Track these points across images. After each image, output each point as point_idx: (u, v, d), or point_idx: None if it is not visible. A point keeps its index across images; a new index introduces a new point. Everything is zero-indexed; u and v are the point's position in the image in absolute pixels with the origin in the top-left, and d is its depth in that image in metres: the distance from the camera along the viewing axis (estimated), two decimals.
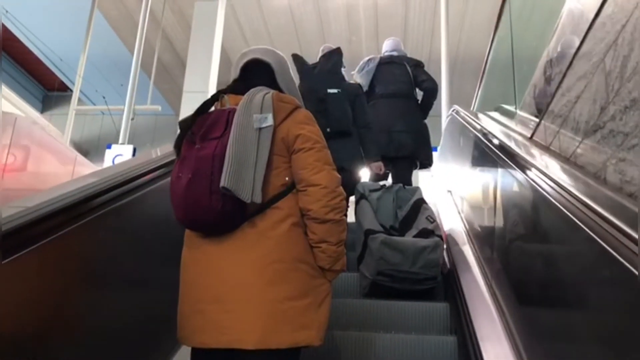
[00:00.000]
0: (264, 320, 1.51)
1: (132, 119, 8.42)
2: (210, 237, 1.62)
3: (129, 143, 12.49)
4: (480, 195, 2.79)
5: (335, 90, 3.30)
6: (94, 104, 12.77)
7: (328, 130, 3.12)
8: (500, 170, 2.18)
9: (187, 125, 1.69)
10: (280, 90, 1.79)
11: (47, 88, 13.43)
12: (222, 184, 1.52)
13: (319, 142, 1.68)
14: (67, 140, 8.69)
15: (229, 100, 1.75)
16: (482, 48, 10.85)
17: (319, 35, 10.49)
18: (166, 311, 1.77)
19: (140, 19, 7.37)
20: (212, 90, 7.22)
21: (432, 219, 3.04)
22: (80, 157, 5.12)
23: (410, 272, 2.76)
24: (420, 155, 4.12)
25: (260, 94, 1.68)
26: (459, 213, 3.68)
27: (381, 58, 4.39)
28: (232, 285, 1.55)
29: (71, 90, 11.20)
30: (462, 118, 3.69)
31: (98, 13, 9.86)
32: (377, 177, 3.75)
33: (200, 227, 1.63)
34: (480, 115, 3.39)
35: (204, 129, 1.65)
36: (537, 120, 2.04)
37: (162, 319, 1.89)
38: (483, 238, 2.66)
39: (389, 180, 4.05)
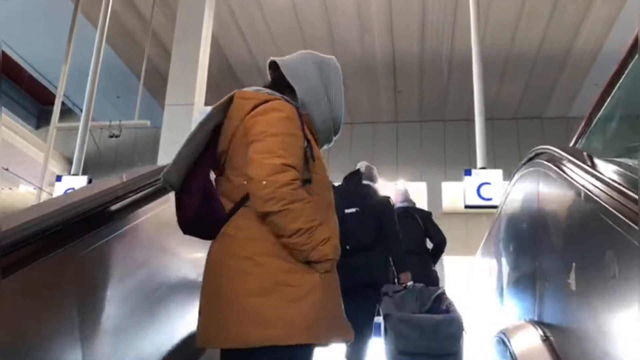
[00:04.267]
0: (231, 318, 1.52)
1: (118, 136, 7.55)
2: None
3: (123, 162, 11.76)
4: None
5: (353, 210, 3.48)
6: (93, 119, 12.04)
7: (347, 247, 3.08)
8: None
9: None
10: (287, 88, 1.79)
11: (42, 103, 12.69)
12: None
13: (266, 130, 1.61)
14: (48, 157, 7.88)
15: None
16: (509, 45, 10.19)
17: (327, 34, 9.56)
18: None
19: (100, 18, 6.43)
20: (199, 102, 6.25)
21: (450, 305, 3.14)
22: None
23: (430, 347, 2.85)
24: None
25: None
26: None
27: None
28: (209, 286, 1.61)
29: (65, 105, 10.46)
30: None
31: (86, 22, 9.08)
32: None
33: (192, 232, 1.74)
34: None
35: None
36: None
37: None
38: None
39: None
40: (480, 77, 6.24)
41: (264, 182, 1.52)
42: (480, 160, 5.96)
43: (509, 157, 11.27)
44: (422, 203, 12.88)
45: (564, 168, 1.95)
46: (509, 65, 10.37)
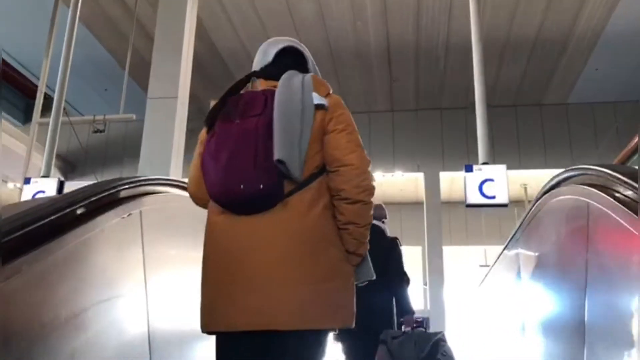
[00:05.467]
0: (300, 301, 1.54)
1: (103, 131, 7.25)
2: (240, 218, 1.61)
3: (113, 158, 11.44)
4: None
5: None
6: (81, 113, 11.74)
7: None
8: None
9: (219, 103, 1.74)
10: None
11: (29, 97, 12.36)
12: (277, 156, 1.55)
13: (351, 125, 1.73)
14: (30, 154, 7.57)
15: (261, 84, 1.79)
16: (507, 29, 9.87)
17: (319, 22, 9.26)
18: None
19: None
20: (183, 95, 5.95)
21: (445, 353, 3.15)
22: None
23: None
24: None
25: (298, 76, 1.74)
26: None
27: None
28: (265, 266, 1.56)
29: (52, 99, 10.15)
30: None
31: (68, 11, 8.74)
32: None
33: (237, 203, 1.62)
34: None
35: (240, 107, 1.68)
36: None
37: None
38: None
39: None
40: (481, 65, 5.90)
41: (367, 173, 1.68)
42: (482, 155, 5.58)
43: (508, 145, 11.03)
44: (419, 194, 12.66)
45: (626, 199, 1.45)
46: (507, 50, 10.09)
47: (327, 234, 1.64)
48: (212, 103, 1.80)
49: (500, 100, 11.20)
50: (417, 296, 12.67)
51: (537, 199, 2.55)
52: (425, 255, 11.73)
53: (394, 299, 3.55)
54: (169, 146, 5.46)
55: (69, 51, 5.90)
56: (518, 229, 3.25)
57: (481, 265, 14.74)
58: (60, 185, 5.51)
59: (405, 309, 3.54)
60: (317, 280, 1.57)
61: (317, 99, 1.69)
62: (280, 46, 1.89)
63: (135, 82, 9.94)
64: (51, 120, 5.77)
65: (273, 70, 1.81)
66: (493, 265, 4.52)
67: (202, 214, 1.76)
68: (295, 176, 1.59)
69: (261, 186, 1.55)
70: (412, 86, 11.44)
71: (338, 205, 1.66)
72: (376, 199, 4.17)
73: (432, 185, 11.54)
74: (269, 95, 1.67)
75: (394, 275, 3.51)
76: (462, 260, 15.46)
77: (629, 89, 10.58)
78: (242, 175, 1.57)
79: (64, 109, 8.98)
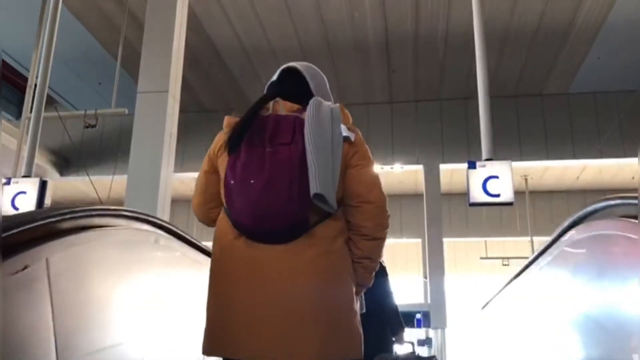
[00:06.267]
0: (323, 332, 1.55)
1: (94, 126, 7.09)
2: (263, 246, 1.61)
3: (108, 152, 11.28)
4: None
5: None
6: (76, 108, 11.59)
7: None
8: None
9: (246, 125, 1.69)
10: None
11: (21, 91, 12.19)
12: (317, 190, 1.55)
13: (371, 160, 1.76)
14: (19, 150, 7.39)
15: (283, 107, 1.76)
16: (508, 18, 9.66)
17: (316, 12, 9.06)
18: None
19: None
20: (174, 89, 5.78)
21: None
22: None
23: None
24: None
25: (325, 104, 1.72)
26: None
27: None
28: (292, 295, 1.57)
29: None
30: None
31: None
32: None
33: (265, 232, 1.61)
34: None
35: (268, 132, 1.65)
36: None
37: None
38: None
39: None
40: (484, 57, 5.69)
41: (386, 211, 1.70)
42: (485, 151, 5.35)
43: (509, 137, 10.86)
44: (419, 186, 12.52)
45: None
46: (508, 39, 9.89)
47: (348, 265, 1.66)
48: (226, 119, 1.76)
49: (501, 91, 11.02)
50: (417, 289, 12.57)
51: (575, 223, 2.23)
52: (425, 248, 11.60)
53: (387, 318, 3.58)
54: (160, 141, 5.32)
55: (52, 38, 5.66)
56: (544, 251, 3.02)
57: (482, 258, 14.69)
58: (43, 186, 5.22)
59: (397, 329, 3.57)
60: (341, 312, 1.61)
61: (344, 131, 1.69)
62: (284, 66, 1.91)
63: (129, 76, 9.78)
64: (33, 114, 5.44)
65: (282, 90, 1.81)
66: (516, 275, 4.32)
67: (161, 252, 1.48)
68: (335, 208, 1.60)
69: (295, 218, 1.57)
70: (411, 77, 11.25)
71: (356, 240, 1.68)
72: None
73: (432, 177, 11.40)
74: (297, 123, 1.66)
75: (381, 301, 3.53)
76: (463, 252, 15.37)
77: (632, 77, 10.40)
78: (277, 206, 1.56)
79: (49, 97, 8.78)
